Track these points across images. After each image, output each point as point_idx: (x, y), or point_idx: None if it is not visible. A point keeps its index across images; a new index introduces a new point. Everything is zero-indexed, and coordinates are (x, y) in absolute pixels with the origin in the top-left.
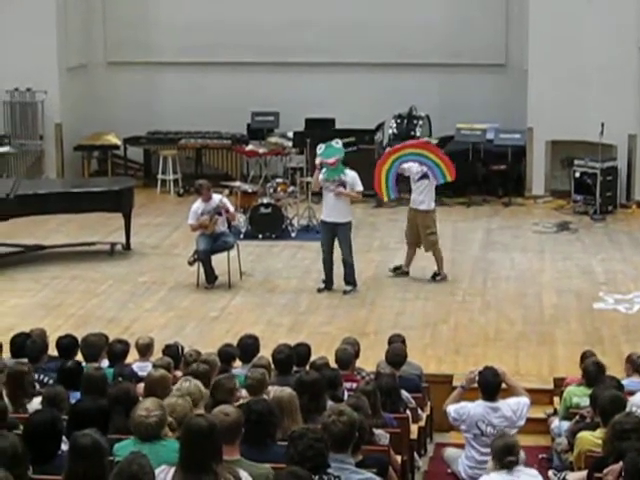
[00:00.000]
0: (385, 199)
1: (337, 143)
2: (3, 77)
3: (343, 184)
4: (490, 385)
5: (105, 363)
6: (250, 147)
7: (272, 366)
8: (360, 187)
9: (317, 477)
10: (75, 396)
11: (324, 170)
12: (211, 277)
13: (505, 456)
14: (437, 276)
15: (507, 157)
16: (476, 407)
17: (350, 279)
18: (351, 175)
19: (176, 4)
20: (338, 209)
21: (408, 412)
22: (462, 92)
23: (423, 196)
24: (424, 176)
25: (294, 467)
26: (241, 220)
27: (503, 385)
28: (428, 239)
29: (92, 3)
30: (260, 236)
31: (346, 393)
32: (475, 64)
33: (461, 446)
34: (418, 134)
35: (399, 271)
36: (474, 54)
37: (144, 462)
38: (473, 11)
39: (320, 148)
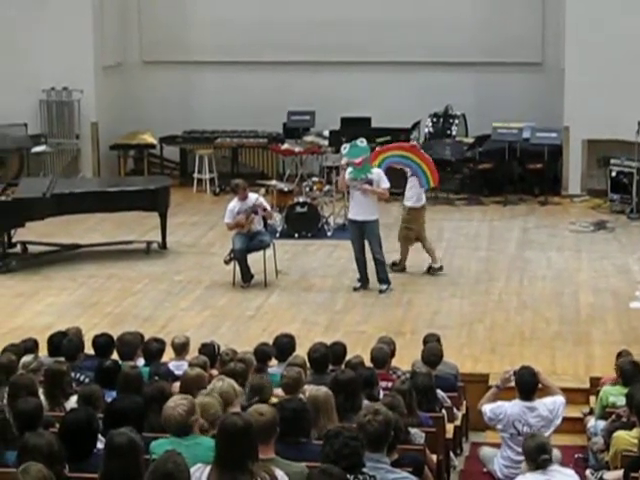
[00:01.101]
0: None
1: (362, 142)
2: (40, 76)
3: (370, 182)
4: (527, 384)
5: (141, 362)
6: (286, 146)
7: (308, 365)
8: (386, 184)
9: (352, 476)
10: (111, 395)
11: (350, 170)
12: (247, 276)
13: (539, 455)
14: (395, 265)
15: (543, 156)
16: (513, 407)
17: (383, 276)
18: (377, 173)
19: (212, 3)
20: (365, 207)
21: (444, 411)
22: (498, 90)
23: (412, 193)
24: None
25: (327, 465)
26: (277, 219)
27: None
28: (403, 232)
29: (128, 2)
30: (296, 235)
31: (382, 392)
32: (511, 62)
33: (497, 445)
34: (454, 133)
35: (433, 270)
36: (511, 52)
37: (179, 460)
38: (510, 9)
39: (345, 148)
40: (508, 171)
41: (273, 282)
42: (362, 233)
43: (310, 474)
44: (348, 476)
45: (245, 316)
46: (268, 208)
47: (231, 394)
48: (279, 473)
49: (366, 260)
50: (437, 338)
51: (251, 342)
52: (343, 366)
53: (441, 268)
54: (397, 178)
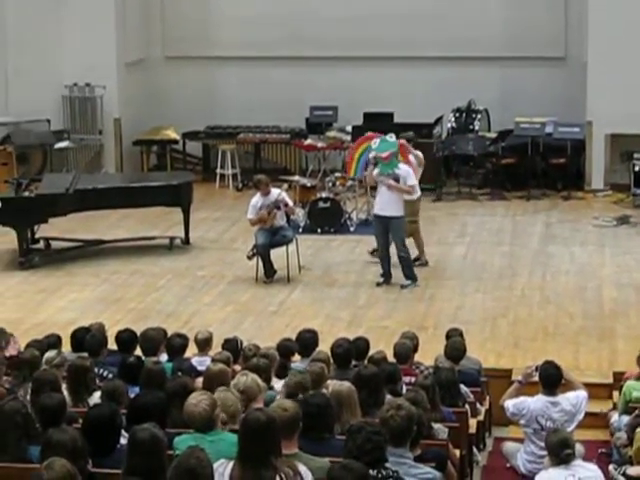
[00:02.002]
0: (351, 174)
1: (391, 137)
2: (62, 72)
3: (397, 178)
4: (551, 378)
5: (164, 357)
6: (309, 141)
7: (331, 360)
8: (412, 181)
9: (375, 471)
10: (134, 390)
11: (378, 164)
12: (270, 271)
13: (562, 450)
14: (417, 261)
15: (566, 151)
16: (536, 402)
17: (407, 272)
18: (405, 169)
19: None
20: (392, 203)
21: (467, 406)
22: (521, 85)
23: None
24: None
25: (348, 460)
26: (300, 214)
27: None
28: (409, 227)
29: None
30: (319, 230)
31: (404, 387)
32: (534, 57)
33: (520, 440)
34: (477, 128)
35: (418, 262)
36: (533, 47)
37: (202, 456)
38: (532, 3)
39: (375, 143)
40: (531, 166)
41: (296, 277)
42: (386, 229)
43: (330, 469)
44: (371, 471)
45: (268, 311)
46: (290, 204)
47: (255, 389)
48: (302, 468)
49: (390, 255)
50: (460, 333)
51: (274, 337)
52: (366, 361)
53: (426, 263)
54: None
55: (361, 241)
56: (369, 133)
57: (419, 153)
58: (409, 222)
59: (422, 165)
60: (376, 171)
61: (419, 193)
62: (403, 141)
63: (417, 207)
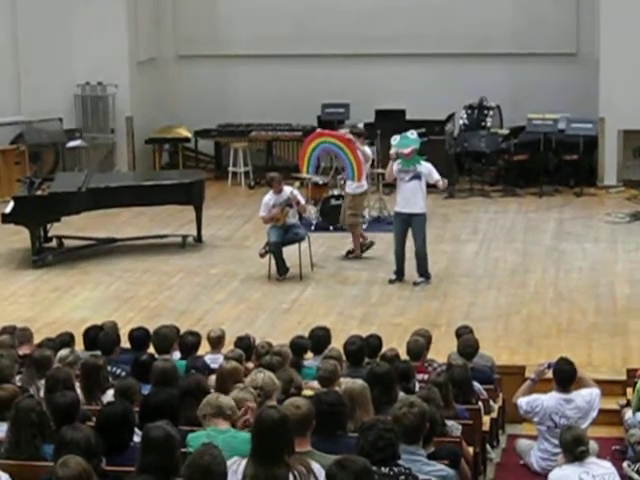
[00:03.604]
0: (304, 174)
1: (412, 134)
2: (75, 71)
3: (418, 175)
4: (565, 375)
5: (177, 355)
6: None
7: (344, 358)
8: (436, 175)
9: (387, 468)
10: (147, 388)
11: (399, 160)
12: (282, 269)
13: (576, 447)
14: (350, 254)
15: (579, 147)
16: (549, 399)
17: (423, 271)
18: (426, 166)
19: None
20: (414, 200)
21: (480, 404)
22: (533, 82)
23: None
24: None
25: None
26: (312, 212)
27: None
28: (349, 219)
29: None
30: (331, 228)
31: (417, 385)
32: (546, 53)
33: (534, 438)
34: (489, 124)
35: (352, 255)
36: (545, 43)
37: (216, 453)
38: (543, 0)
39: (395, 139)
40: (543, 162)
41: (308, 275)
42: (407, 226)
43: (329, 468)
44: (383, 468)
45: (281, 309)
46: (303, 201)
47: (271, 386)
48: (315, 466)
49: (405, 253)
50: (470, 330)
51: (287, 335)
52: (378, 359)
53: (360, 256)
54: None
55: (373, 238)
56: (318, 130)
57: (366, 148)
58: (350, 215)
59: (369, 161)
60: (396, 167)
61: (365, 187)
62: (350, 136)
63: (361, 201)
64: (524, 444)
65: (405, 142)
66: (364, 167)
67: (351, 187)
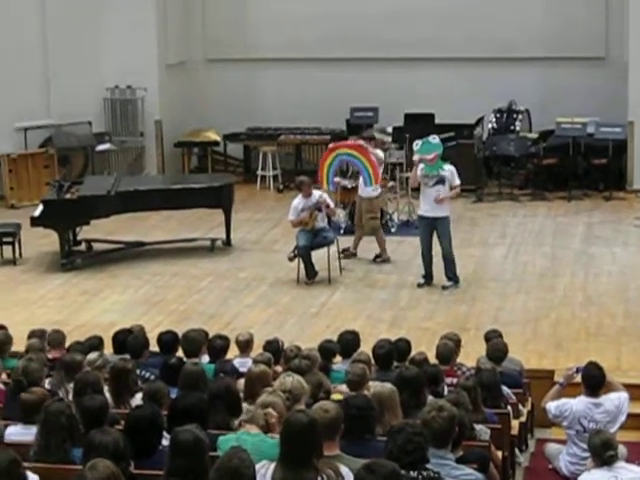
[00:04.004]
0: (324, 186)
1: (434, 139)
2: (104, 75)
3: (442, 180)
4: (594, 380)
5: (205, 359)
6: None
7: (372, 361)
8: (458, 181)
9: (416, 472)
10: (176, 392)
11: (422, 166)
12: (311, 273)
13: (605, 452)
14: (378, 258)
15: (608, 151)
16: (578, 403)
17: (451, 275)
18: (450, 170)
19: (275, 0)
20: (438, 204)
21: (509, 408)
22: (562, 86)
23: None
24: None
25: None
26: (341, 215)
27: None
28: (369, 223)
29: (191, 0)
30: None
31: (446, 389)
32: (575, 57)
33: (562, 442)
34: (518, 128)
35: (347, 252)
36: (574, 47)
37: (245, 456)
38: (573, 4)
39: (417, 145)
40: (572, 166)
41: (337, 279)
42: (432, 230)
43: (357, 473)
44: (412, 472)
45: (309, 313)
46: (332, 205)
47: (300, 390)
48: (344, 470)
49: (432, 257)
50: (499, 334)
51: (315, 339)
52: (407, 362)
53: (388, 260)
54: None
55: (402, 242)
56: (331, 145)
57: (378, 151)
58: (369, 219)
59: (382, 164)
60: (420, 172)
61: (380, 191)
62: (361, 141)
63: (377, 204)
64: (553, 448)
65: (427, 147)
66: (379, 170)
67: (366, 191)
